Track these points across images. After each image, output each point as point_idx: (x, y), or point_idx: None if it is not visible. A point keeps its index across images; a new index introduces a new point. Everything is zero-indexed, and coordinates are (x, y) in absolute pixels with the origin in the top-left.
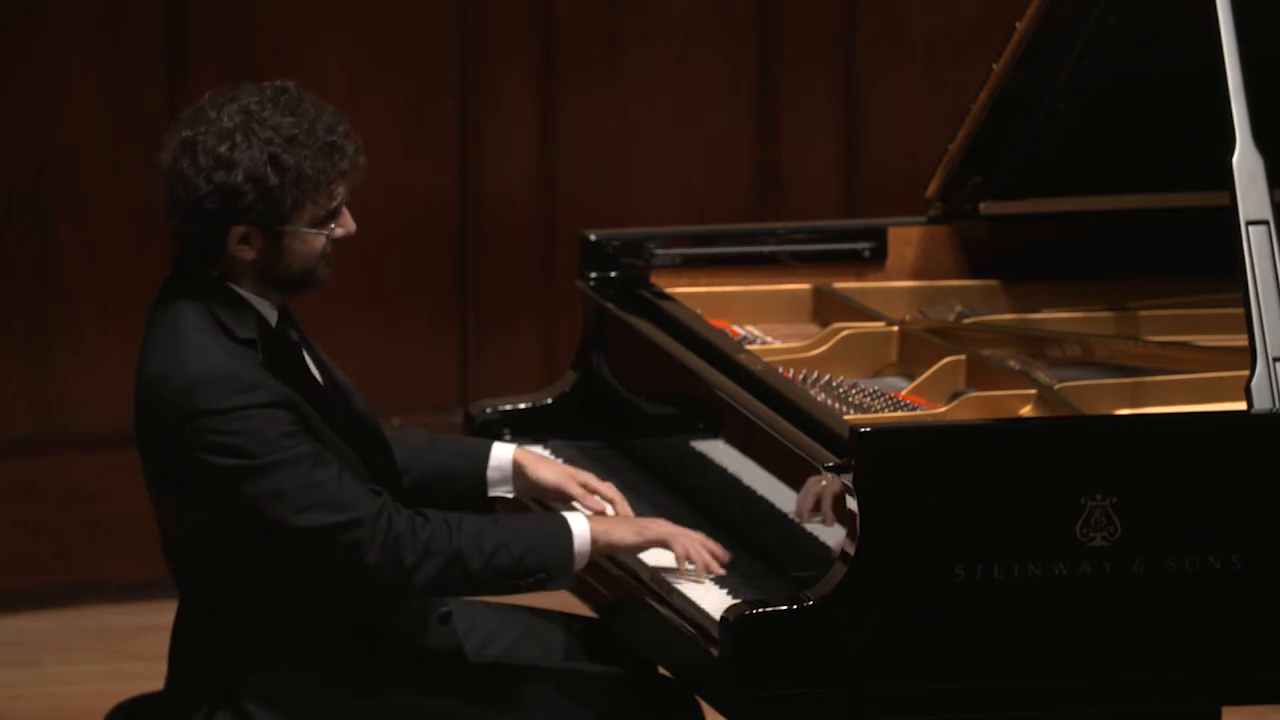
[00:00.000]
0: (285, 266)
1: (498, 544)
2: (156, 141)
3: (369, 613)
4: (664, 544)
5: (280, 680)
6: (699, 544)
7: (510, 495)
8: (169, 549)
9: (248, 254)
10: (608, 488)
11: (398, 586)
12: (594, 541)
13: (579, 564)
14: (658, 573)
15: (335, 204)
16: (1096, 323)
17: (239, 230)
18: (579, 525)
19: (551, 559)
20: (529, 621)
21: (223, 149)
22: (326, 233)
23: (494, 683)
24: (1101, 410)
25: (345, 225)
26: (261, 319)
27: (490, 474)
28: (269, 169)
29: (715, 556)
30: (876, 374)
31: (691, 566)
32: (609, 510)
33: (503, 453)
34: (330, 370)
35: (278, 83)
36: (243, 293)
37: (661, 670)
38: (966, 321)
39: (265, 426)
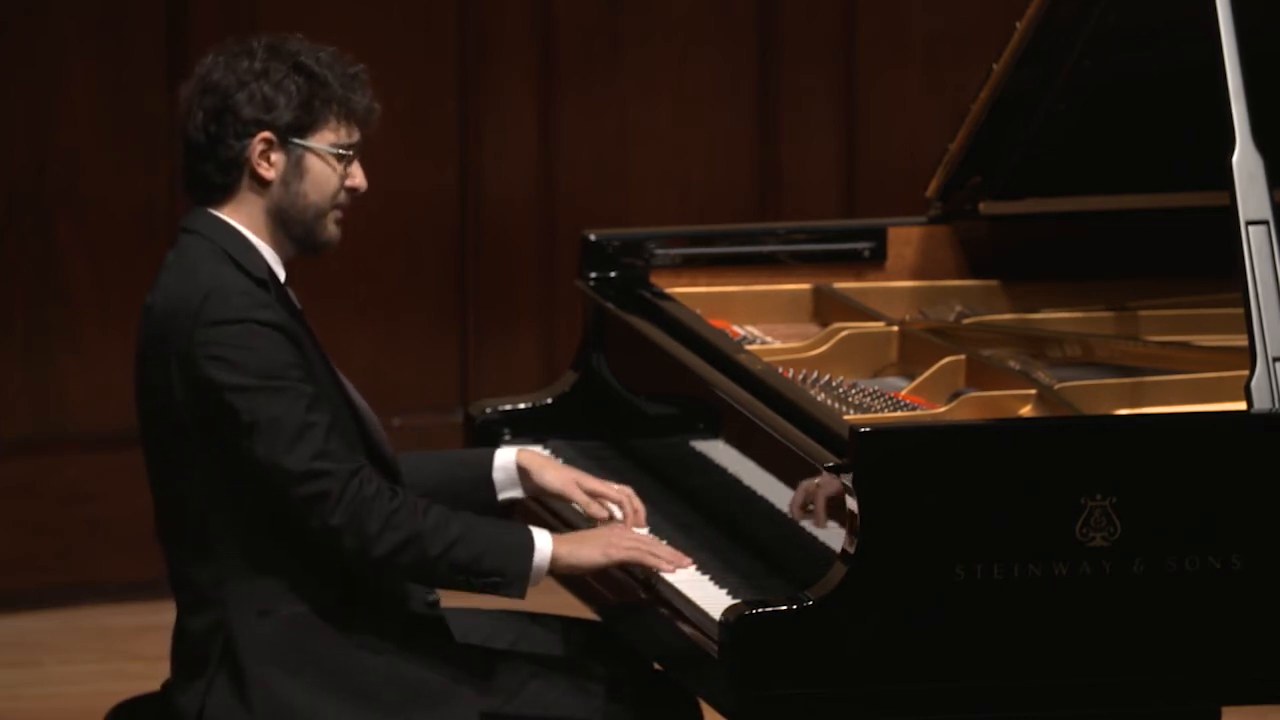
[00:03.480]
0: (303, 196)
1: (458, 537)
2: (156, 141)
3: (362, 581)
4: (629, 565)
5: (277, 641)
6: (660, 552)
7: (520, 496)
8: (166, 529)
9: (268, 171)
10: (617, 491)
11: (356, 553)
12: (554, 561)
13: (534, 580)
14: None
15: (354, 140)
16: (1096, 323)
17: (264, 138)
18: (543, 543)
19: (508, 567)
20: (524, 625)
21: (249, 63)
22: (347, 155)
23: (489, 667)
24: (1101, 410)
25: (357, 177)
26: (272, 272)
27: (496, 475)
28: (297, 75)
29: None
30: (876, 374)
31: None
32: (616, 513)
33: (506, 456)
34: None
35: (298, 35)
36: (255, 242)
37: (658, 668)
38: (966, 321)
39: (273, 350)
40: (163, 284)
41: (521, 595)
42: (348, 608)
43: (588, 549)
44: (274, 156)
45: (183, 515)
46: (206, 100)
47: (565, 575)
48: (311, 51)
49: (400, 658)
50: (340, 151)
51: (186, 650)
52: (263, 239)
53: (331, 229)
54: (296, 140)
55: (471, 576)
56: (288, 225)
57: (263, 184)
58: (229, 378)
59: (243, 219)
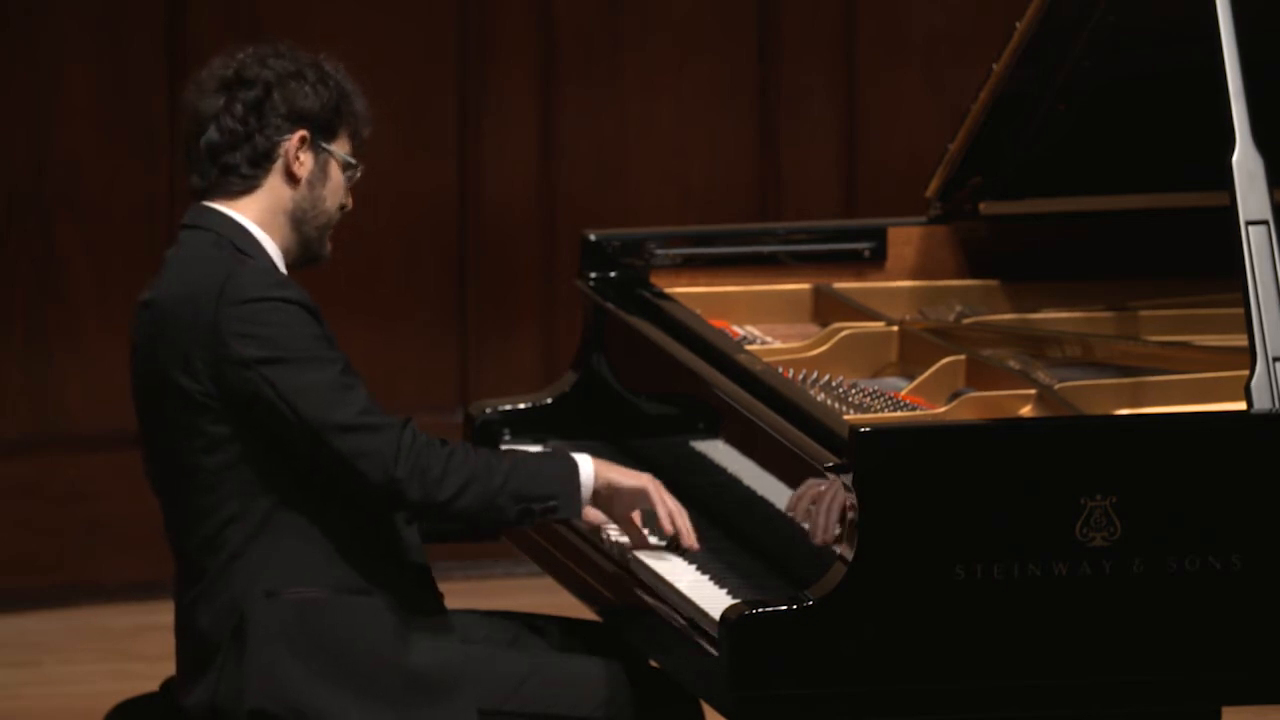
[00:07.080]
0: (323, 201)
1: (511, 469)
2: (156, 142)
3: (368, 569)
4: (648, 495)
5: (282, 622)
6: (679, 512)
7: None
8: (175, 521)
9: (301, 169)
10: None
11: (422, 501)
12: (596, 477)
13: (585, 495)
14: (625, 549)
15: (357, 160)
16: (1096, 323)
17: (301, 135)
18: (584, 462)
19: (560, 489)
20: (524, 625)
21: (281, 61)
22: (354, 170)
23: (490, 664)
24: (1101, 410)
25: (349, 195)
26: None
27: None
28: (328, 80)
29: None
30: (876, 374)
31: (662, 543)
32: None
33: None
34: None
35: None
36: (262, 240)
37: (658, 668)
38: (966, 321)
39: (300, 325)
40: (166, 278)
41: (578, 515)
42: (353, 596)
43: (616, 470)
44: (304, 155)
45: (194, 503)
46: (244, 93)
47: (604, 491)
48: (331, 63)
49: (402, 650)
50: (352, 162)
51: (194, 647)
52: (273, 238)
53: (326, 244)
54: (323, 144)
55: (531, 503)
56: (304, 228)
57: (292, 181)
58: (263, 352)
59: (257, 215)
